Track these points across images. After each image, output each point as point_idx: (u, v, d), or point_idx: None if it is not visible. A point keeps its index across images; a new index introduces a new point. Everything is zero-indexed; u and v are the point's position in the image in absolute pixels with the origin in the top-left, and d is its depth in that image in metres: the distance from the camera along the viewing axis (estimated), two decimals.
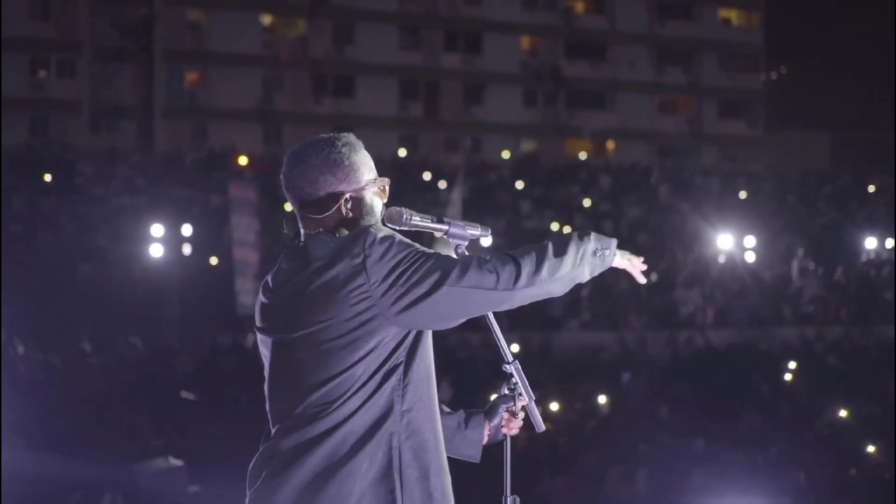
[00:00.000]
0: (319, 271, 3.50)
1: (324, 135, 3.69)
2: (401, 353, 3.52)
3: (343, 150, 3.63)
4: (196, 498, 12.73)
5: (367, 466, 3.47)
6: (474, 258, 3.49)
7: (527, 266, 3.48)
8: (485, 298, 3.47)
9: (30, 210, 30.75)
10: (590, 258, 3.60)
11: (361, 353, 3.48)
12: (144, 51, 48.31)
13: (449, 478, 3.61)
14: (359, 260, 3.44)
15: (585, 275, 3.61)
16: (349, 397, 3.48)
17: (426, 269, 3.43)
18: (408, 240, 3.52)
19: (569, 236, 3.60)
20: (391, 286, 3.42)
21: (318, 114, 49.74)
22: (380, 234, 3.48)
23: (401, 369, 3.51)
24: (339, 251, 3.48)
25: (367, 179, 3.64)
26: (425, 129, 52.82)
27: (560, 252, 3.53)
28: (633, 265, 3.80)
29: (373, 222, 3.62)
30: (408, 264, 3.43)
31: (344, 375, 3.48)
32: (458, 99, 53.77)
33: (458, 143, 52.71)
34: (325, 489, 3.46)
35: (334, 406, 3.48)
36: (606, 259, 3.66)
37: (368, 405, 3.48)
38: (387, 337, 3.49)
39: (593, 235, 3.64)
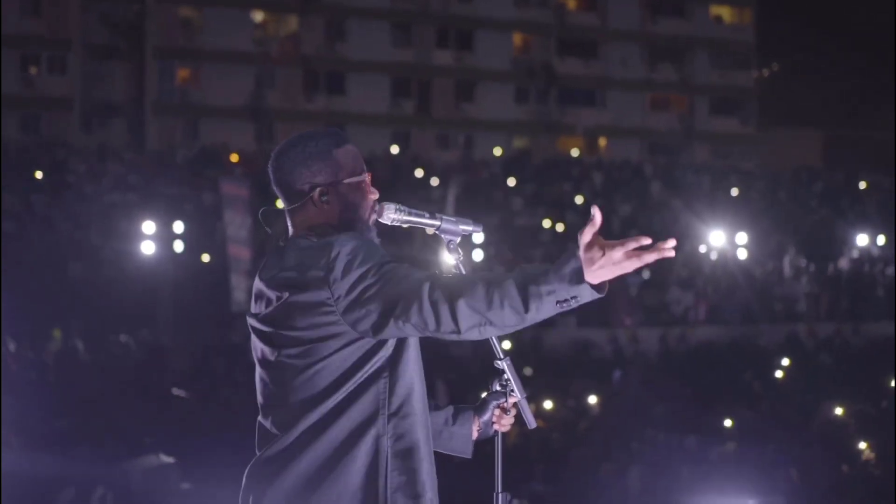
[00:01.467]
0: (289, 281, 3.49)
1: (309, 130, 3.70)
2: (381, 358, 3.49)
3: (321, 143, 3.62)
4: (188, 495, 12.71)
5: (354, 470, 3.45)
6: (431, 288, 3.29)
7: (477, 309, 3.25)
8: (430, 335, 3.37)
9: (22, 208, 30.66)
10: (550, 306, 3.26)
11: (338, 361, 3.46)
12: (136, 48, 48.20)
13: (436, 482, 3.60)
14: (322, 274, 3.41)
15: (541, 316, 3.29)
16: (331, 403, 3.47)
17: (384, 294, 3.34)
18: (375, 252, 3.44)
19: (536, 282, 3.24)
20: (351, 305, 3.39)
21: (310, 111, 49.67)
22: (346, 248, 3.42)
23: (385, 373, 3.49)
24: (308, 261, 3.46)
25: (346, 172, 3.62)
26: (417, 127, 52.75)
27: (521, 297, 3.23)
28: (627, 260, 3.23)
29: (354, 217, 3.61)
30: (367, 283, 3.37)
31: (323, 383, 3.47)
32: (450, 96, 53.72)
33: (451, 141, 52.67)
34: (314, 494, 3.46)
35: (317, 412, 3.47)
36: (572, 303, 3.26)
37: (352, 410, 3.47)
38: (362, 344, 3.47)
39: (560, 288, 3.23)
